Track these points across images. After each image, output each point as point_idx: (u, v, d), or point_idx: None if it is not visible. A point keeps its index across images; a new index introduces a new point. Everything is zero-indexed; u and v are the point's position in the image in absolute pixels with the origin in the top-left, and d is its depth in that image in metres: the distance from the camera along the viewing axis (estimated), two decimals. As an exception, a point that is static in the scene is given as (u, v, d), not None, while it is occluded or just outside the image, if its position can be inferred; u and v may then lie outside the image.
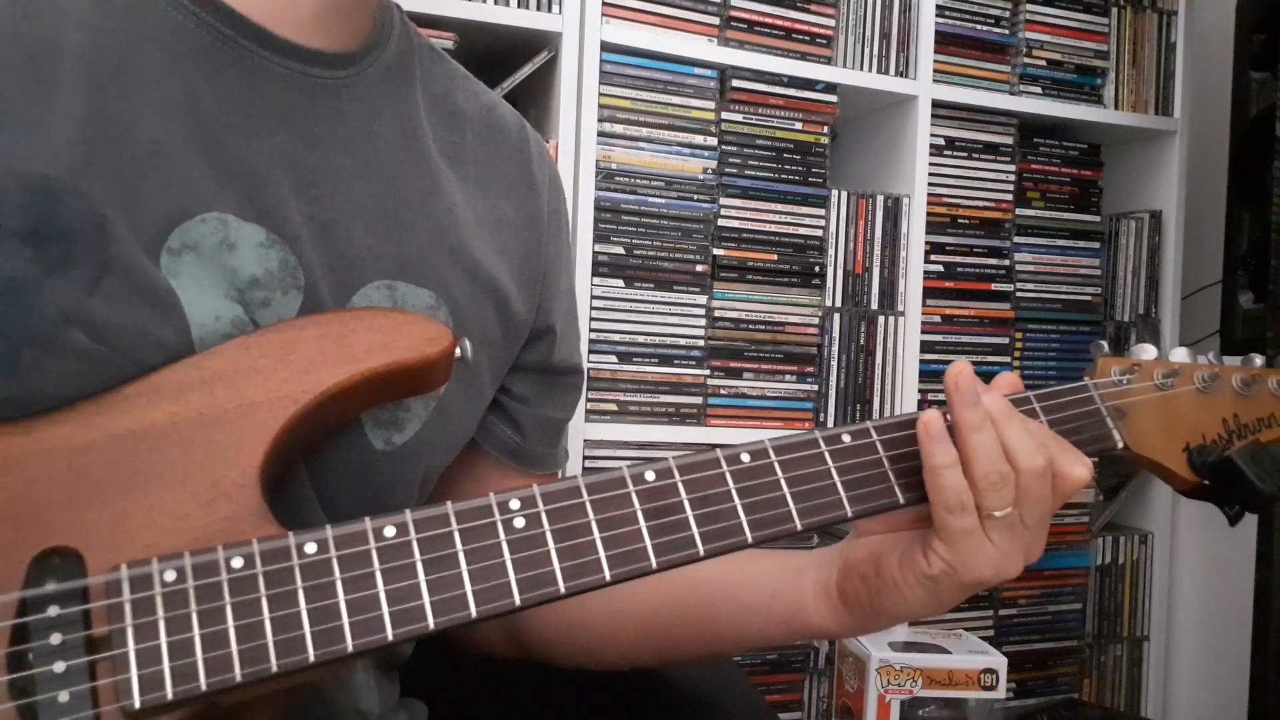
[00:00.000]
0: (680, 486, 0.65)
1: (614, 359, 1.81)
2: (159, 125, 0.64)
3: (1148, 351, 0.82)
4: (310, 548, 0.57)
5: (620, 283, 1.81)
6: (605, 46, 1.78)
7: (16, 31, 0.61)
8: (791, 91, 1.93)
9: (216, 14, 0.68)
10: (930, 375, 2.05)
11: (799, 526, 0.67)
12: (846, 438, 0.70)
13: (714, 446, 0.68)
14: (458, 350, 0.67)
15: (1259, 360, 0.85)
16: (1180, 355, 0.83)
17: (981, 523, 0.68)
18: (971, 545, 0.68)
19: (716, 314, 1.88)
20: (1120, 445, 0.78)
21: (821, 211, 1.96)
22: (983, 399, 0.69)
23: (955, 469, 0.68)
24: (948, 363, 2.01)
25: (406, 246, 0.75)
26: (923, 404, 2.03)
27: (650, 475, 0.65)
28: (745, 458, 0.67)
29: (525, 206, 0.86)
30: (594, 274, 1.79)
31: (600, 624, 0.86)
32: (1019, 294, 2.15)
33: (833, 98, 1.96)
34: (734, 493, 0.66)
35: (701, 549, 0.64)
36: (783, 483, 0.67)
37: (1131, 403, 0.79)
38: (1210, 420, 0.82)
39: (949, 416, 0.69)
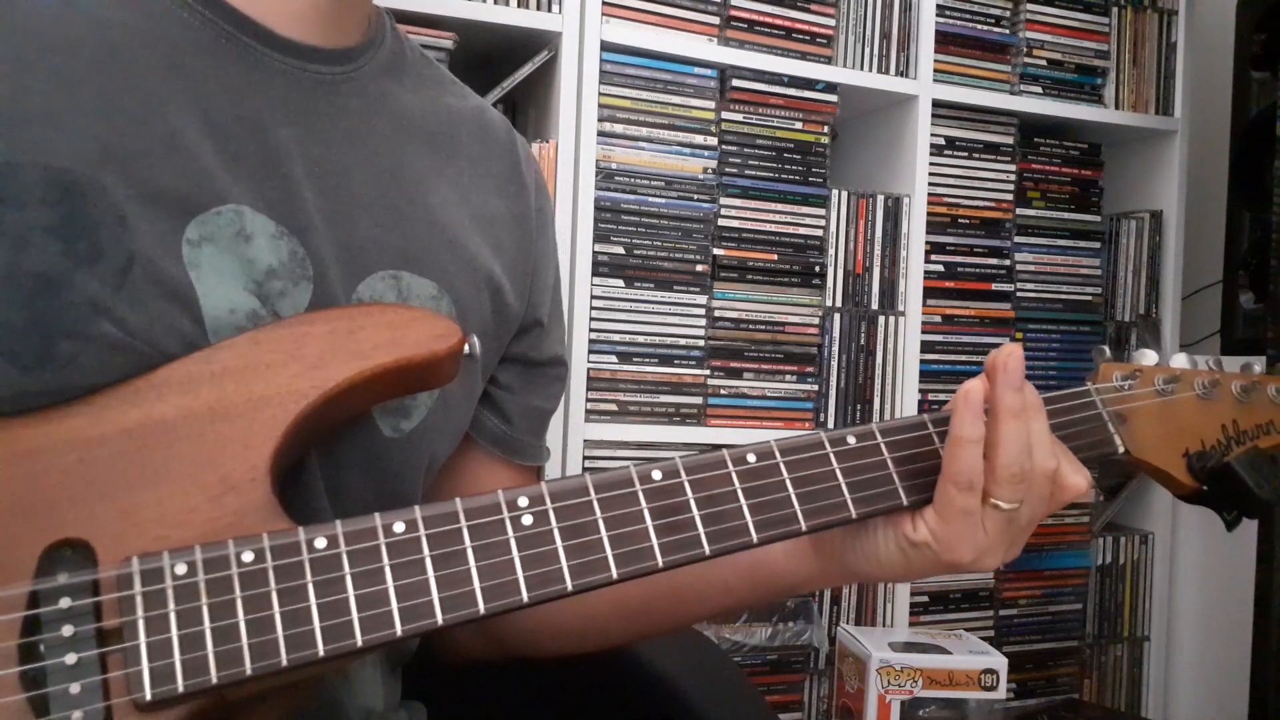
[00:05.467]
0: (687, 486, 0.65)
1: (614, 359, 1.81)
2: (172, 119, 0.65)
3: (1149, 357, 0.83)
4: (320, 543, 0.57)
5: (620, 283, 1.81)
6: (605, 46, 1.78)
7: (35, 27, 0.62)
8: (791, 91, 1.93)
9: (218, 11, 0.70)
10: (930, 375, 2.05)
11: (804, 528, 0.67)
12: (851, 439, 0.70)
13: (719, 447, 0.68)
14: (466, 347, 0.67)
15: (1258, 367, 0.86)
16: (1181, 361, 0.84)
17: (983, 509, 0.69)
18: (964, 526, 0.69)
19: (716, 314, 1.88)
20: (1121, 450, 0.79)
21: (822, 211, 1.96)
22: (1024, 388, 0.70)
23: (977, 447, 0.68)
24: (948, 363, 2.05)
25: (409, 238, 0.76)
26: (923, 404, 2.03)
27: (657, 475, 0.65)
28: (751, 458, 0.68)
29: (515, 205, 0.88)
30: (594, 274, 1.78)
31: (571, 624, 0.87)
32: (1019, 294, 2.16)
33: (833, 97, 1.97)
34: (740, 493, 0.66)
35: (707, 548, 0.64)
36: (788, 483, 0.67)
37: (1133, 408, 0.80)
38: (1210, 426, 0.82)
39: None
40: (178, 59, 0.67)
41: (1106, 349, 0.83)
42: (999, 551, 0.71)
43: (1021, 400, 0.69)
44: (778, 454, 0.68)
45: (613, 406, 1.81)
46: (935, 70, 2.03)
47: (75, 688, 0.52)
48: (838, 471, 0.69)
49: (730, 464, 0.67)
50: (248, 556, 0.56)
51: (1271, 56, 1.93)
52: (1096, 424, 0.78)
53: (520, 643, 0.90)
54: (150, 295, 0.61)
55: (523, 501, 0.62)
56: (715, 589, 0.82)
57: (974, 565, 0.70)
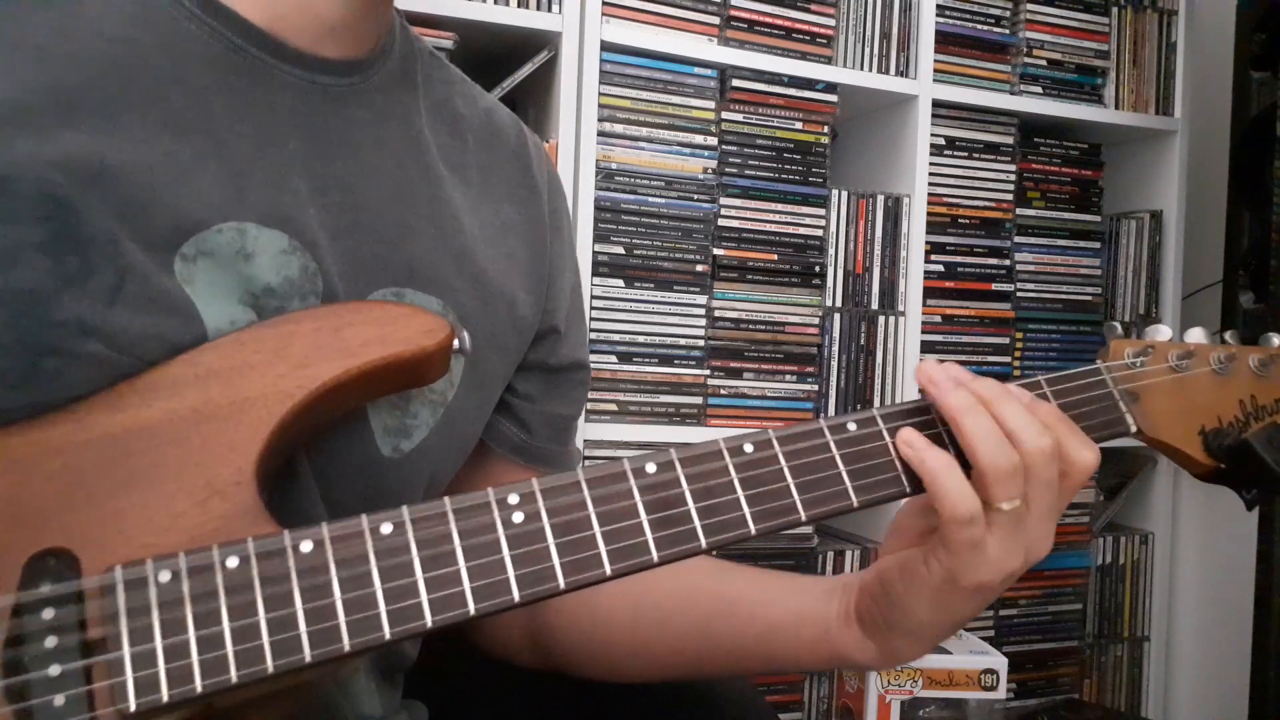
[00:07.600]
0: (682, 478, 0.64)
1: (614, 359, 1.81)
2: (171, 136, 0.64)
3: (1162, 333, 0.80)
4: (306, 546, 0.56)
5: (620, 283, 1.81)
6: (605, 46, 1.78)
7: (38, 41, 0.61)
8: (791, 91, 1.93)
9: (227, 23, 0.68)
10: (930, 375, 2.04)
11: (803, 517, 0.65)
12: (852, 426, 0.68)
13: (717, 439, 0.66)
14: (455, 342, 0.66)
15: (1277, 340, 0.82)
16: (1196, 336, 0.81)
17: (985, 516, 0.65)
18: (973, 551, 0.65)
19: (716, 314, 1.87)
20: (1134, 429, 0.75)
21: (822, 211, 1.96)
22: (970, 384, 0.67)
23: (954, 471, 0.65)
24: (948, 363, 2.03)
25: (414, 253, 0.75)
26: (923, 404, 2.03)
27: (651, 467, 0.63)
28: (748, 448, 0.66)
29: (527, 209, 0.87)
30: (594, 274, 1.78)
31: (624, 644, 0.85)
32: (1019, 294, 2.15)
33: (833, 97, 1.96)
34: (736, 483, 0.64)
35: (704, 541, 0.63)
36: (786, 472, 0.65)
37: (1145, 385, 0.77)
38: (1227, 402, 0.79)
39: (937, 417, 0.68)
40: (182, 73, 0.66)
41: (1118, 325, 0.80)
42: (1018, 554, 0.67)
43: (967, 395, 0.66)
44: (775, 443, 0.66)
45: (613, 406, 1.81)
46: (935, 70, 2.02)
47: (60, 700, 0.51)
48: (838, 459, 0.67)
49: (726, 455, 0.65)
50: (232, 562, 0.55)
51: (1271, 56, 1.92)
52: (1107, 403, 0.75)
53: (566, 662, 0.89)
54: (146, 310, 0.61)
55: (513, 499, 0.60)
56: (781, 636, 0.78)
57: (999, 577, 0.66)
